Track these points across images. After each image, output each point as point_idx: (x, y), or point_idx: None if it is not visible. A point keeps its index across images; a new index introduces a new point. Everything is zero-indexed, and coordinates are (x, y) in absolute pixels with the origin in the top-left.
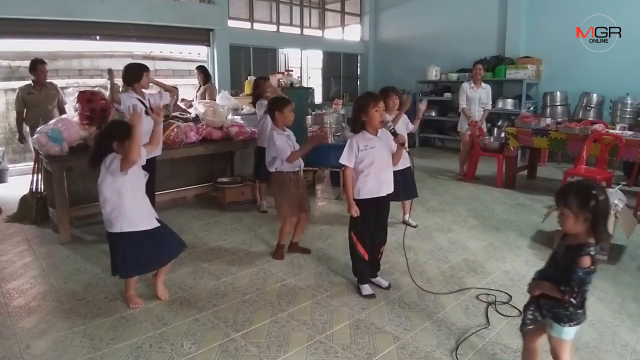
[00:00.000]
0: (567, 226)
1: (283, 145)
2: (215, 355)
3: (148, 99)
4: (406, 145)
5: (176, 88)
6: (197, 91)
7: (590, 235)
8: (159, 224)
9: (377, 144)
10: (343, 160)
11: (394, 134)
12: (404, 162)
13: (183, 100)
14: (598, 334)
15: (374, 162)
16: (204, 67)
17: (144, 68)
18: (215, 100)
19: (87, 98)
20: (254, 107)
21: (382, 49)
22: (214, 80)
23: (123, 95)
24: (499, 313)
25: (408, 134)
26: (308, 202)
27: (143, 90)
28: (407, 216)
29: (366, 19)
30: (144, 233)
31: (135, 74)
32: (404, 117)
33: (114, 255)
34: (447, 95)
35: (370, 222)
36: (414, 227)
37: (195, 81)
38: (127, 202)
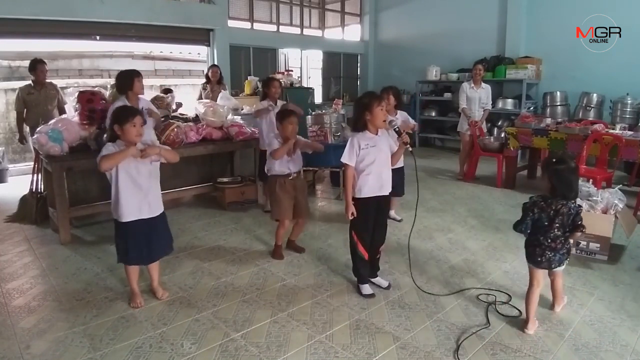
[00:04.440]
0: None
1: (272, 141)
2: (215, 355)
3: (142, 107)
4: (409, 145)
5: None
6: (207, 91)
7: (551, 191)
8: (153, 216)
9: (378, 143)
10: (344, 158)
11: (399, 133)
12: (398, 162)
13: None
14: (598, 334)
15: (375, 161)
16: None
17: (135, 74)
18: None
19: (87, 98)
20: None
21: (382, 49)
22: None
23: (115, 103)
24: (499, 313)
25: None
26: (305, 208)
27: (139, 96)
28: (392, 212)
29: (366, 19)
30: (139, 222)
31: (126, 81)
32: (403, 114)
33: (116, 241)
34: (447, 95)
35: (371, 221)
36: (399, 221)
37: (195, 80)
38: (122, 192)
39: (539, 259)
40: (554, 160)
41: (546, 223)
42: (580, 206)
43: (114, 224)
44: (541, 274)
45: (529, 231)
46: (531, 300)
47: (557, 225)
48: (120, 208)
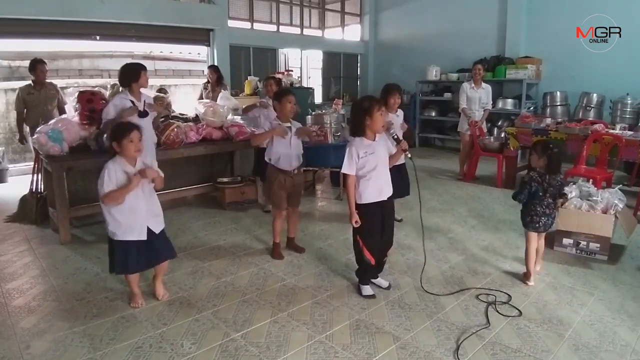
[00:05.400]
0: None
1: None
2: (215, 355)
3: (144, 100)
4: (408, 152)
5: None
6: (207, 90)
7: (547, 169)
8: (154, 233)
9: (376, 149)
10: (345, 169)
11: (397, 141)
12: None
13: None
14: (598, 334)
15: (375, 167)
16: (217, 67)
17: (142, 66)
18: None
19: (87, 98)
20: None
21: (382, 49)
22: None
23: (115, 97)
24: (499, 313)
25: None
26: (298, 199)
27: (142, 90)
28: None
29: (366, 19)
30: (138, 241)
31: (133, 73)
32: (401, 112)
33: (112, 255)
34: (447, 95)
35: (376, 226)
36: (399, 221)
37: (195, 80)
38: (121, 212)
39: (537, 225)
40: (550, 145)
41: (541, 194)
42: (562, 177)
43: (109, 240)
44: (534, 236)
45: (525, 200)
46: (530, 257)
47: (549, 195)
48: (120, 228)
